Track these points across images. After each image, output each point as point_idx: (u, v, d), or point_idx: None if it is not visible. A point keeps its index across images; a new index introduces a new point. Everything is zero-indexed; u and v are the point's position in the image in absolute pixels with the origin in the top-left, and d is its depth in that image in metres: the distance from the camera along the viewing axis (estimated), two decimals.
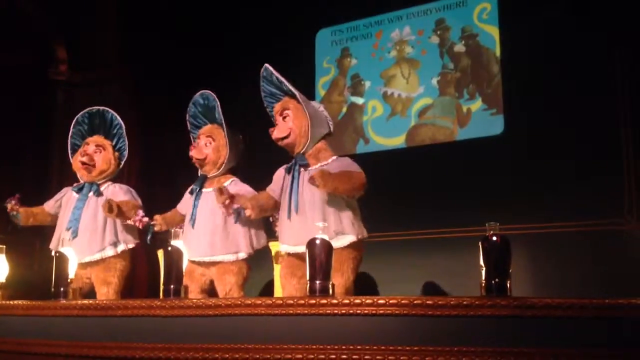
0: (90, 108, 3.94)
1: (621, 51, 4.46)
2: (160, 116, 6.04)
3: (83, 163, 3.75)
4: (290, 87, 3.20)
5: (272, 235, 3.99)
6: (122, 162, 3.89)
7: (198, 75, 5.75)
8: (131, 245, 3.73)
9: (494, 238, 2.15)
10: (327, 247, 2.31)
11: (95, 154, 3.79)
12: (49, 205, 3.91)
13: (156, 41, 6.16)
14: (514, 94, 4.93)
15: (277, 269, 4.33)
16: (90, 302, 2.74)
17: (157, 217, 3.54)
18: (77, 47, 6.25)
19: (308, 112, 3.13)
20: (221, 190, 3.19)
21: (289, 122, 3.16)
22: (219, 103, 3.52)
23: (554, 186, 4.48)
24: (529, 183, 4.59)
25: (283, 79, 3.22)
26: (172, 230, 2.88)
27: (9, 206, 3.77)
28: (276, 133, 3.17)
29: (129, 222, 3.60)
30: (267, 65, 3.28)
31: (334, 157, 3.15)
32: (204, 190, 3.51)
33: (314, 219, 2.91)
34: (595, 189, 4.35)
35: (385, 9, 5.62)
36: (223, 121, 3.50)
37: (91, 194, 3.75)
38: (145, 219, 3.50)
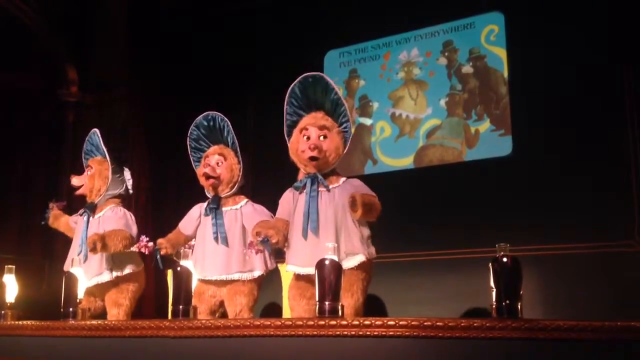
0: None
1: (630, 71, 4.45)
2: (169, 136, 6.07)
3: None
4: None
5: (281, 256, 3.98)
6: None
7: (206, 95, 5.79)
8: (127, 271, 3.73)
9: (504, 259, 2.13)
10: (337, 267, 2.30)
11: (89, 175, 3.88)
12: (72, 220, 4.01)
13: (165, 62, 6.22)
14: (522, 115, 4.92)
15: (287, 291, 4.31)
16: (99, 322, 2.74)
17: (160, 240, 3.44)
18: (87, 69, 6.32)
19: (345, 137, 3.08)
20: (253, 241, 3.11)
21: (328, 143, 3.03)
22: (229, 122, 3.49)
23: (563, 207, 4.46)
24: (538, 204, 4.56)
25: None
26: (181, 251, 2.86)
27: (50, 204, 4.14)
28: (316, 152, 2.99)
29: (133, 249, 3.60)
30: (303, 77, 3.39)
31: (344, 179, 3.08)
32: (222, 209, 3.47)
33: (326, 240, 2.84)
34: (606, 210, 4.32)
35: (393, 31, 5.64)
36: (235, 140, 3.49)
37: (92, 216, 3.82)
38: (150, 244, 3.45)
